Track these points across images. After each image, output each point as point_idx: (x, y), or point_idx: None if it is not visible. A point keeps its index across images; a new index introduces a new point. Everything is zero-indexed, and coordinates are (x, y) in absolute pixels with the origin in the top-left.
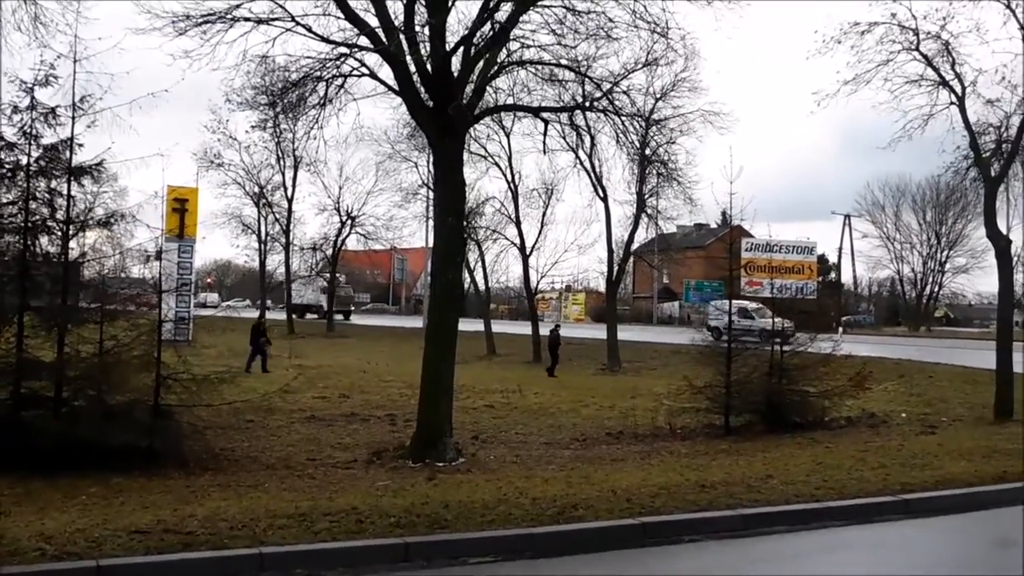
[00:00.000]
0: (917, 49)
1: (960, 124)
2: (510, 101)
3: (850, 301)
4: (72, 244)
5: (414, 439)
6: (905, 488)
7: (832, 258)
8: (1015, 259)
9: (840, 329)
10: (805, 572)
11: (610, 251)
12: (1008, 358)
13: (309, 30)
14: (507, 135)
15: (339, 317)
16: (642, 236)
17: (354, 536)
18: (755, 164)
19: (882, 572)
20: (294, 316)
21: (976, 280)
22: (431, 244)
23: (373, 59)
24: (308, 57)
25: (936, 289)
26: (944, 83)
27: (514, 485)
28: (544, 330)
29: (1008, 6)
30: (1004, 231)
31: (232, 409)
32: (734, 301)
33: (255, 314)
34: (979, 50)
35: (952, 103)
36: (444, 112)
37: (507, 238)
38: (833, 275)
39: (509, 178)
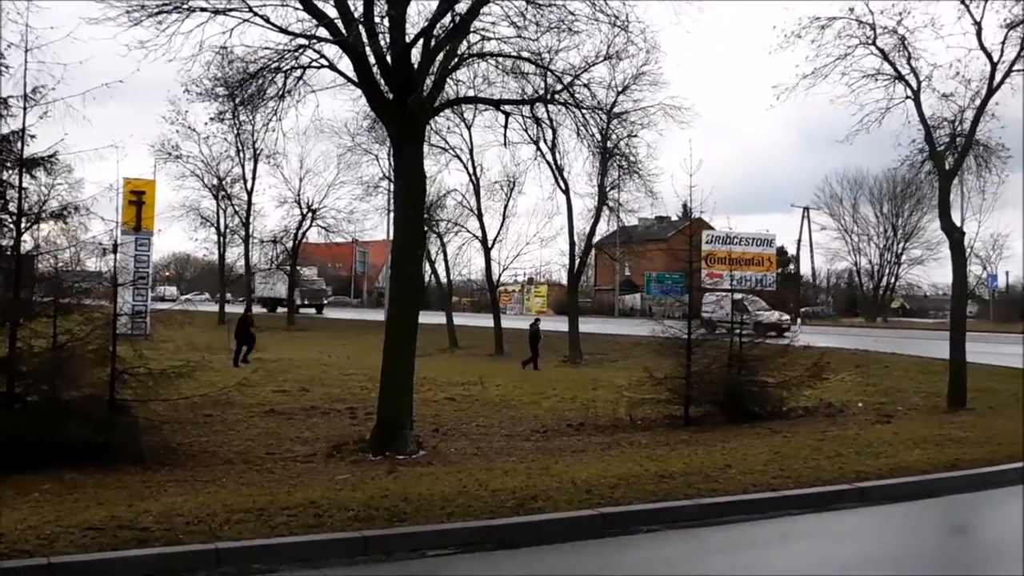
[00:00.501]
0: (874, 44)
1: (916, 118)
2: (471, 93)
3: (809, 292)
4: (25, 237)
5: (374, 432)
6: (861, 476)
7: (791, 250)
8: (968, 251)
9: (799, 320)
10: (761, 560)
11: (572, 244)
12: (961, 348)
13: (267, 21)
14: (468, 128)
15: (311, 311)
16: (604, 229)
17: (312, 530)
18: (715, 157)
19: (837, 559)
20: (264, 310)
21: (931, 271)
22: (392, 237)
23: (333, 50)
24: (266, 48)
25: (893, 280)
26: (900, 77)
27: (474, 477)
28: (513, 323)
29: (962, 1)
30: (958, 223)
31: (190, 404)
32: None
33: (214, 308)
34: (934, 45)
35: (908, 97)
36: (404, 104)
37: (469, 231)
38: (792, 267)
39: (471, 171)
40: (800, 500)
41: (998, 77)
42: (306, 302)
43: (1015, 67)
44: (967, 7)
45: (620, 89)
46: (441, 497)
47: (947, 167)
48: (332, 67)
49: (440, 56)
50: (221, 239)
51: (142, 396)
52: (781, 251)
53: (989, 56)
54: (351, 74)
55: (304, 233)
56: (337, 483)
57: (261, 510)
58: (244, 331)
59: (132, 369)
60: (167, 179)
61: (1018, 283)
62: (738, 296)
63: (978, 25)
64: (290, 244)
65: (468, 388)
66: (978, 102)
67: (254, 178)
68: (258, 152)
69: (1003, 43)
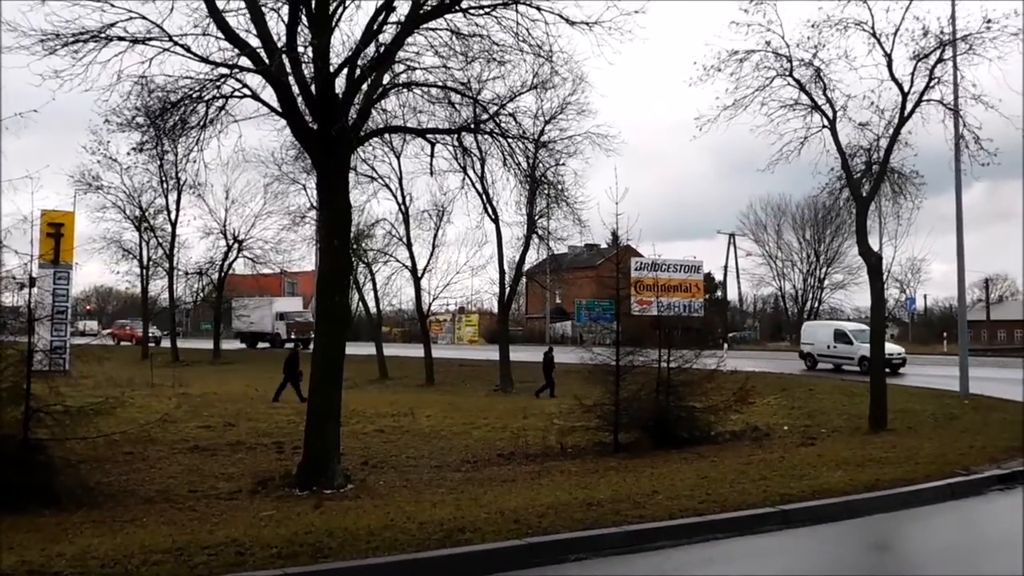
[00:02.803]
0: (791, 75)
1: (833, 147)
2: (400, 122)
3: (736, 318)
4: None
5: (300, 466)
6: (784, 499)
7: (718, 276)
8: (886, 275)
9: (725, 345)
10: None
11: (501, 272)
12: (881, 370)
13: (188, 50)
14: (397, 157)
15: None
16: (533, 257)
17: (233, 569)
18: (640, 185)
19: None
20: (243, 345)
21: (853, 295)
22: (318, 267)
23: (256, 80)
24: (187, 78)
25: (816, 305)
26: (817, 107)
27: (402, 510)
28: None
29: (873, 35)
30: (875, 248)
31: (109, 441)
32: (832, 323)
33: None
34: (849, 76)
35: (825, 126)
36: (328, 134)
37: (398, 260)
38: (719, 293)
39: (400, 200)
40: (725, 524)
41: (909, 106)
42: (293, 336)
43: (925, 97)
44: (878, 40)
45: (547, 118)
46: (367, 531)
47: (863, 194)
48: (255, 96)
49: (365, 85)
50: (144, 272)
51: (58, 435)
52: (708, 277)
53: (900, 86)
54: (275, 103)
55: (230, 264)
56: (261, 520)
57: (180, 550)
58: (289, 369)
59: (48, 407)
60: (87, 211)
61: (936, 306)
62: (844, 326)
63: (888, 57)
64: (216, 276)
65: (398, 419)
66: (891, 131)
67: (178, 209)
68: (182, 182)
69: (912, 74)
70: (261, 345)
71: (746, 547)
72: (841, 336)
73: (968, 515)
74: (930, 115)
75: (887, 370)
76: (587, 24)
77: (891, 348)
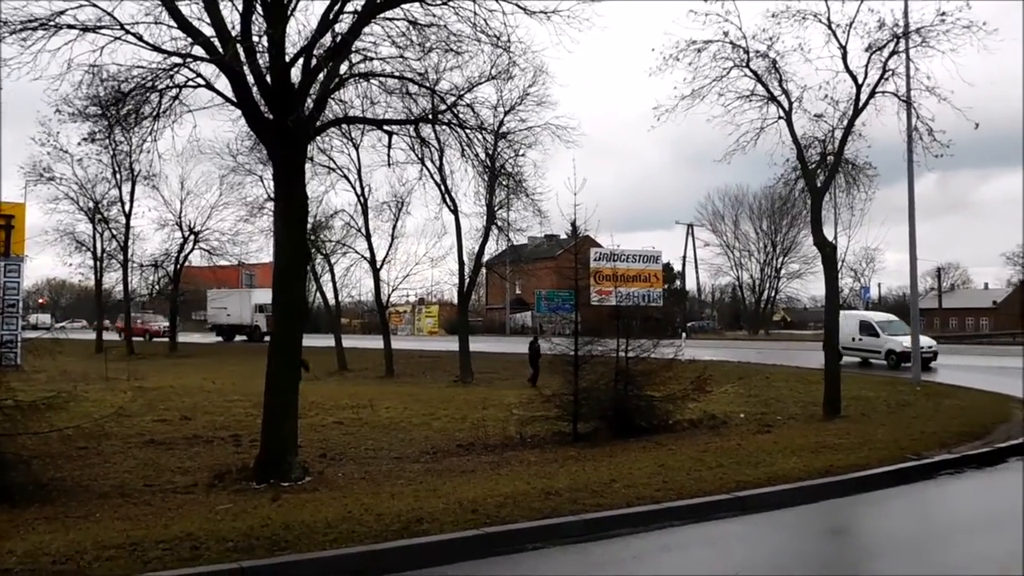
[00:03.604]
0: (747, 66)
1: (789, 138)
2: (358, 113)
3: (695, 307)
4: None
5: (258, 459)
6: (740, 486)
7: (677, 266)
8: (841, 264)
9: (683, 334)
10: (642, 572)
11: (461, 263)
12: (835, 358)
13: (140, 39)
14: (356, 147)
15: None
16: (493, 248)
17: (187, 563)
18: (599, 176)
19: (713, 566)
20: (220, 338)
21: (809, 285)
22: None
23: (210, 69)
24: (140, 67)
25: (773, 294)
26: (773, 99)
27: (360, 502)
28: (404, 344)
29: (829, 26)
30: (830, 238)
31: (62, 436)
32: (857, 312)
33: (92, 335)
34: (804, 68)
35: (780, 118)
36: (284, 124)
37: (357, 251)
38: (678, 283)
39: (358, 191)
40: (682, 511)
41: (863, 98)
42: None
43: (878, 89)
44: (833, 32)
45: (507, 109)
46: (325, 524)
47: (818, 185)
48: (209, 86)
49: (321, 76)
50: (98, 264)
51: (9, 430)
52: (667, 267)
53: (854, 78)
54: (229, 93)
55: (186, 256)
56: (217, 513)
57: (135, 545)
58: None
59: None
60: (39, 202)
61: (890, 294)
62: (870, 316)
63: (843, 49)
64: (172, 268)
65: (357, 411)
66: (845, 122)
67: (132, 200)
68: (136, 173)
69: (867, 66)
70: (239, 338)
71: (702, 534)
72: (867, 327)
73: (920, 499)
74: (884, 107)
75: (908, 364)
76: (545, 14)
77: (924, 340)
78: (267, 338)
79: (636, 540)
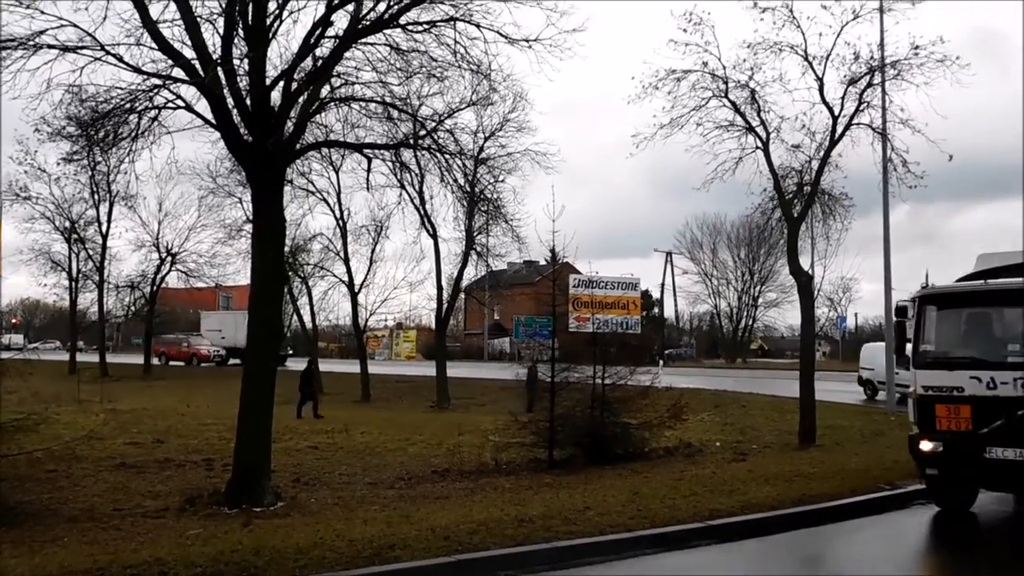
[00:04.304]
0: (726, 96)
1: (766, 168)
2: (338, 137)
3: (672, 334)
4: None
5: (230, 484)
6: (714, 514)
7: (655, 294)
8: (817, 293)
9: (661, 362)
10: None
11: (439, 288)
12: (810, 386)
13: (120, 60)
14: (336, 171)
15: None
16: (472, 273)
17: None
18: (578, 203)
19: None
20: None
21: (786, 313)
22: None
23: (190, 92)
24: (119, 88)
25: (751, 322)
26: (751, 129)
27: (332, 528)
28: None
29: (806, 58)
30: (806, 267)
31: (31, 459)
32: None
33: (64, 356)
34: (783, 98)
35: (758, 148)
36: (263, 147)
37: (335, 275)
38: (656, 310)
39: (338, 214)
40: (655, 539)
41: (839, 129)
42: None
43: (854, 120)
44: (810, 64)
45: (487, 135)
46: (295, 549)
47: (795, 215)
48: (189, 108)
49: (302, 99)
50: (73, 284)
51: None
52: (646, 294)
53: (831, 110)
54: (209, 116)
55: (163, 278)
56: (187, 538)
57: (101, 570)
58: (305, 384)
59: None
60: (14, 221)
61: (866, 324)
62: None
63: (820, 81)
64: (148, 289)
65: (332, 436)
66: (822, 153)
67: (109, 221)
68: (114, 194)
69: (843, 98)
70: (233, 362)
71: (674, 562)
72: (907, 361)
73: (893, 528)
74: (860, 138)
75: None
76: (526, 42)
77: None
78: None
79: (607, 568)
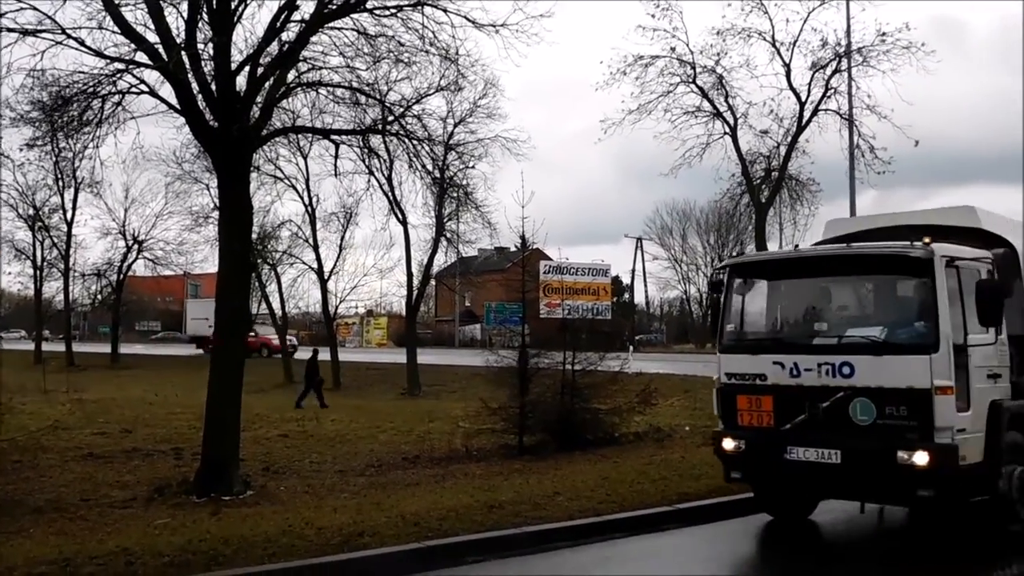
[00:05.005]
0: (694, 82)
1: (734, 153)
2: (306, 123)
3: (643, 320)
4: None
5: (199, 473)
6: (682, 497)
7: (625, 280)
8: None
9: (631, 347)
10: None
11: (409, 275)
12: None
13: (82, 44)
14: (304, 157)
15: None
16: (442, 259)
17: None
18: (548, 189)
19: None
20: (202, 351)
21: None
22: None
23: (154, 76)
24: (82, 72)
25: None
26: (718, 114)
27: (301, 516)
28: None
29: (773, 44)
30: None
31: None
32: None
33: (30, 346)
34: (750, 84)
35: (726, 133)
36: (229, 133)
37: (304, 262)
38: (627, 296)
39: (306, 201)
40: (623, 524)
41: (806, 115)
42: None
43: (821, 106)
44: (777, 50)
45: (457, 121)
46: (264, 538)
47: (763, 200)
48: (153, 93)
49: (268, 84)
50: (38, 273)
51: None
52: (616, 280)
53: (798, 96)
54: (173, 101)
55: (130, 266)
56: (155, 528)
57: (67, 561)
58: (310, 374)
59: None
60: None
61: None
62: None
63: (787, 67)
64: (115, 278)
65: (303, 424)
66: (789, 139)
67: (74, 208)
68: (79, 181)
69: (810, 84)
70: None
71: (643, 546)
72: None
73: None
74: (827, 124)
75: None
76: (494, 27)
77: None
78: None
79: (576, 553)
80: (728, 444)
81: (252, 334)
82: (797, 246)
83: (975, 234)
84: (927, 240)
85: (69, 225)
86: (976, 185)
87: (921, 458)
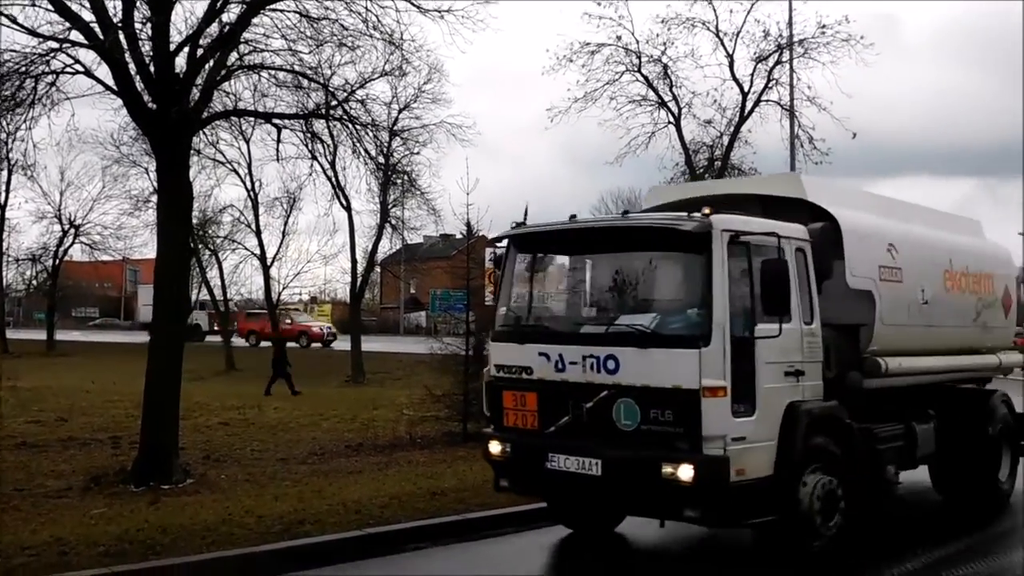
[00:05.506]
0: (639, 71)
1: (678, 142)
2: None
3: None
4: None
5: (137, 461)
6: None
7: None
8: None
9: None
10: (522, 572)
11: (353, 261)
12: None
13: (13, 21)
14: (247, 141)
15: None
16: (387, 246)
17: (55, 569)
18: (494, 176)
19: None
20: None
21: None
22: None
23: (90, 56)
24: (13, 51)
25: None
26: (663, 104)
27: (242, 504)
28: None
29: (717, 35)
30: None
31: None
32: None
33: None
34: (695, 74)
35: (670, 123)
36: (167, 115)
37: (247, 248)
38: None
39: (248, 186)
40: None
41: (749, 106)
42: (215, 328)
43: (763, 97)
44: (721, 40)
45: (401, 106)
46: (203, 527)
47: None
48: (88, 73)
49: (208, 66)
50: None
51: None
52: None
53: (740, 86)
54: (110, 82)
55: (66, 251)
56: (91, 518)
57: None
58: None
59: None
60: None
61: None
62: None
63: (730, 57)
64: (51, 263)
65: (244, 412)
66: (732, 129)
67: (8, 191)
68: (12, 163)
69: (752, 75)
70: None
71: None
72: None
73: None
74: (768, 115)
75: None
76: (438, 12)
77: None
78: (209, 338)
79: (519, 538)
80: (494, 448)
81: (288, 322)
82: (574, 216)
83: (802, 206)
84: (707, 211)
85: (2, 209)
86: (913, 177)
87: (685, 472)
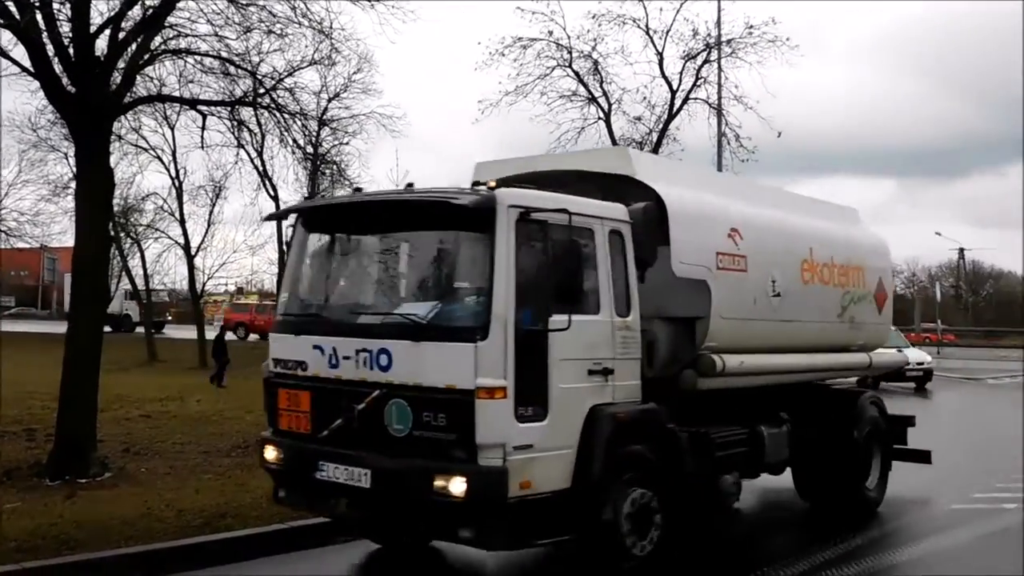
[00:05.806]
0: (570, 66)
1: (608, 138)
2: (174, 91)
3: None
4: None
5: (52, 454)
6: None
7: None
8: None
9: None
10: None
11: (281, 252)
12: None
13: None
14: (171, 128)
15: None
16: None
17: None
18: (425, 169)
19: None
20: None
21: None
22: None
23: (6, 36)
24: None
25: None
26: (593, 99)
27: (162, 497)
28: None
29: (647, 32)
30: None
31: None
32: None
33: None
34: (625, 71)
35: (600, 118)
36: (87, 99)
37: (170, 237)
38: None
39: (173, 173)
40: None
41: (677, 103)
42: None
43: (692, 95)
44: (651, 38)
45: (331, 96)
46: (121, 521)
47: None
48: (3, 53)
49: (130, 50)
50: None
51: None
52: None
53: (670, 84)
54: (27, 63)
55: None
56: (3, 512)
57: None
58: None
59: None
60: None
61: None
62: None
63: (660, 55)
64: None
65: (166, 404)
66: (661, 126)
67: None
68: None
69: (681, 73)
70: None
71: None
72: None
73: None
74: (697, 112)
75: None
76: (369, 1)
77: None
78: (139, 329)
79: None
80: (269, 454)
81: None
82: (359, 188)
83: (636, 184)
84: (492, 184)
85: None
86: (836, 176)
87: (457, 486)
